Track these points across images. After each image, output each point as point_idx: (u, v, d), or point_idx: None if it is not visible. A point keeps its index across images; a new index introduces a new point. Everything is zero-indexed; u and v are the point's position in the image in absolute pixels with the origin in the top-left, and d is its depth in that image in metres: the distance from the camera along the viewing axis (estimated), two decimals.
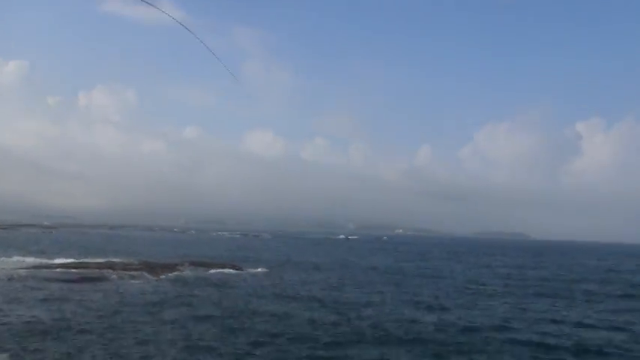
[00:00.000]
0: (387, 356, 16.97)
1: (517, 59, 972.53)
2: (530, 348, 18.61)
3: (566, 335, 20.98)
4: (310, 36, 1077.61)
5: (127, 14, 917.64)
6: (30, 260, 44.24)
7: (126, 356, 15.58)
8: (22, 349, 15.77)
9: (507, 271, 54.49)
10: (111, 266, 40.50)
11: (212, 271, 41.78)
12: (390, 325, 21.77)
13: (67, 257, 49.05)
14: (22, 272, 34.42)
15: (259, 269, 44.83)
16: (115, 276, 35.25)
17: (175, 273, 39.44)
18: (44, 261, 44.20)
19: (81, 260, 45.83)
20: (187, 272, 40.03)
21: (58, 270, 37.89)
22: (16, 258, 45.77)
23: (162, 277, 36.80)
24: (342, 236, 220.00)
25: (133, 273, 37.33)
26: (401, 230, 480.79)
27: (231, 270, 42.59)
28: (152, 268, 40.36)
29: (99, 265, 41.39)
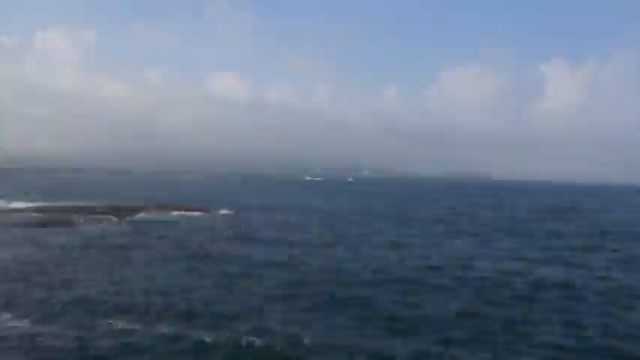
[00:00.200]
0: (356, 294, 17.11)
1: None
2: (492, 282, 19.30)
3: (527, 271, 21.52)
4: None
5: None
6: None
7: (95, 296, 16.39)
8: None
9: (470, 211, 57.03)
10: (76, 210, 40.97)
11: (178, 212, 42.68)
12: (353, 265, 22.03)
13: (30, 201, 48.99)
14: None
15: (225, 211, 45.88)
16: (81, 219, 35.81)
17: (141, 214, 40.23)
18: (5, 205, 44.19)
19: (45, 204, 45.97)
20: (153, 215, 40.84)
21: (21, 215, 38.18)
22: None
23: (128, 219, 37.59)
24: (307, 178, 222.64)
25: (98, 217, 37.94)
26: (367, 172, 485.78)
27: (197, 213, 43.54)
28: (118, 210, 41.02)
29: (63, 209, 41.78)
